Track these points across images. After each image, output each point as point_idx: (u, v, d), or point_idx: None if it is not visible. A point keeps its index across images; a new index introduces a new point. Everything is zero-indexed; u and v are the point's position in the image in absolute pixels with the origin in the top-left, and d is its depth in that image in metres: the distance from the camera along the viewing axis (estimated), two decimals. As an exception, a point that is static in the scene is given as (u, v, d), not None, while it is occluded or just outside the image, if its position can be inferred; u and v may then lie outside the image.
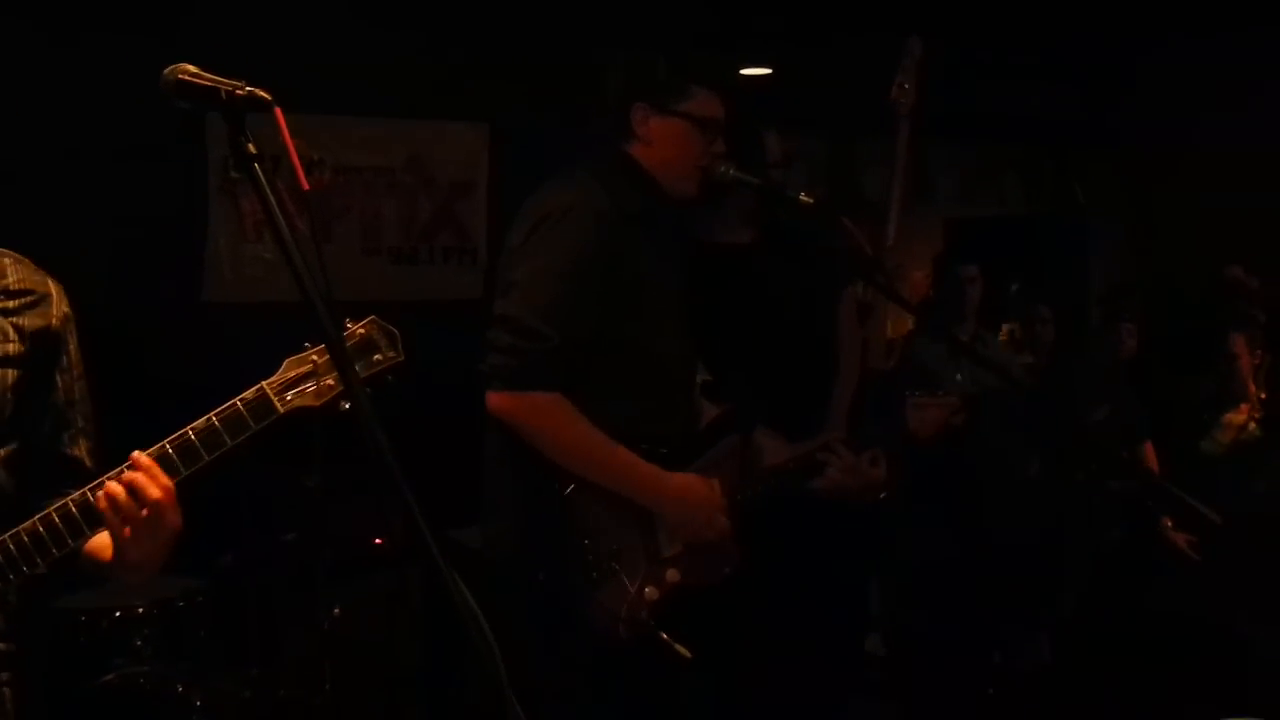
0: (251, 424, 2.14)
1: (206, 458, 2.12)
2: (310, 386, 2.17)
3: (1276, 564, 4.99)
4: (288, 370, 2.17)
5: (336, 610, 4.75)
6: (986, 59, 7.91)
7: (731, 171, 3.37)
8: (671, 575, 3.25)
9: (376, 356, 2.25)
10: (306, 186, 1.78)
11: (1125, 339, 6.30)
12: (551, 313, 3.11)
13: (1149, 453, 5.73)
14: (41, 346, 2.24)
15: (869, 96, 4.31)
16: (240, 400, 2.14)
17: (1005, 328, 7.90)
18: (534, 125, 5.96)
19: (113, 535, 2.11)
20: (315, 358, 2.17)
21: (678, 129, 3.32)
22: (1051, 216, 9.63)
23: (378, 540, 4.94)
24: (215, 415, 2.13)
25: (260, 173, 1.81)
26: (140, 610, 4.15)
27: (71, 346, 2.31)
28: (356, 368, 2.17)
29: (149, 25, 5.28)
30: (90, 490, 2.11)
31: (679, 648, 3.14)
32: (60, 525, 2.10)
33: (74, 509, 2.10)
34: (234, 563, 4.75)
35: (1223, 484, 5.16)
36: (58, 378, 2.28)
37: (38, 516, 2.10)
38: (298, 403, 2.16)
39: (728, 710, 3.72)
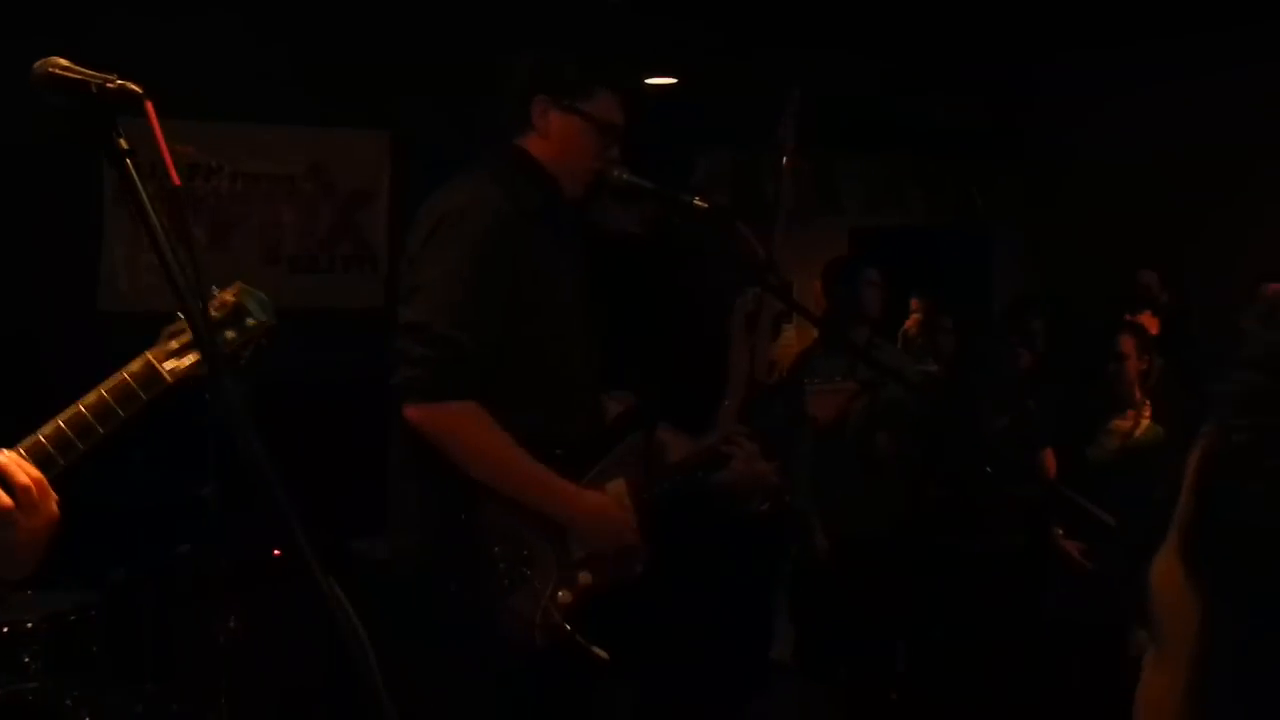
0: (142, 395, 2.11)
1: (101, 432, 2.08)
2: (193, 355, 2.13)
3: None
4: (168, 340, 2.14)
5: (233, 623, 4.68)
6: (891, 71, 7.99)
7: (625, 176, 3.37)
8: (584, 578, 3.24)
9: (250, 321, 2.24)
10: (177, 182, 1.75)
11: (1024, 352, 6.37)
12: (459, 317, 3.09)
13: (1049, 460, 5.78)
14: None
15: (774, 107, 4.35)
16: (127, 373, 2.11)
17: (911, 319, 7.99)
18: (436, 133, 5.92)
19: None
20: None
21: (575, 127, 3.31)
22: (954, 227, 9.75)
23: (275, 551, 4.87)
24: (104, 389, 2.10)
25: (132, 169, 1.77)
26: (29, 625, 4.06)
27: None
28: (230, 334, 2.19)
29: (48, 29, 5.20)
30: None
31: (595, 650, 3.13)
32: None
33: None
34: (127, 576, 4.67)
35: (1117, 491, 5.21)
36: None
37: None
38: (185, 371, 2.14)
39: (642, 711, 3.72)
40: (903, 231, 9.50)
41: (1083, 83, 8.58)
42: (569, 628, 3.16)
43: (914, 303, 9.03)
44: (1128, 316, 6.32)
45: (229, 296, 2.23)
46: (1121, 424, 5.68)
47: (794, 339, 8.88)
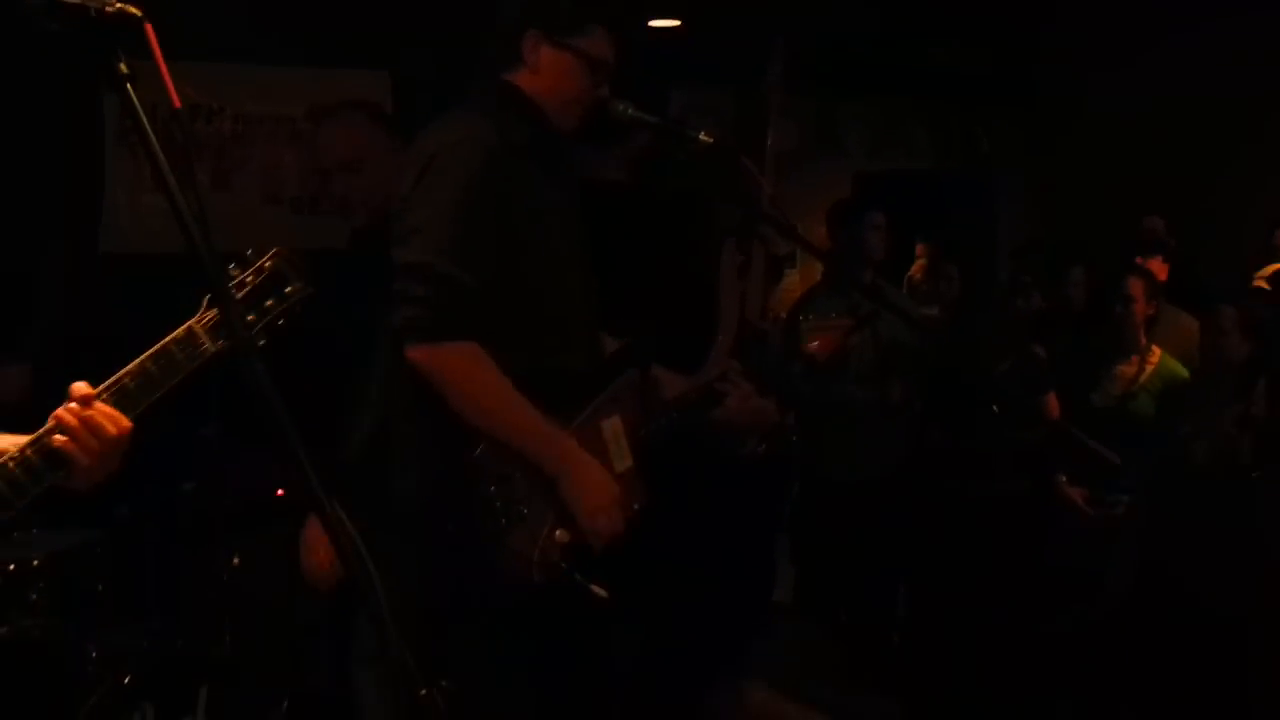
0: (185, 364, 2.14)
1: (144, 401, 2.11)
2: (249, 315, 2.20)
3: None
4: (210, 309, 2.16)
5: (236, 561, 4.69)
6: (895, 14, 7.94)
7: (630, 110, 3.35)
8: None
9: (288, 289, 2.26)
10: (178, 103, 1.74)
11: (1031, 296, 6.35)
12: (457, 253, 3.06)
13: (1052, 404, 5.78)
14: None
15: (764, 54, 4.33)
16: (172, 341, 2.13)
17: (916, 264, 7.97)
18: (436, 73, 5.89)
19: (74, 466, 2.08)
20: (235, 291, 2.19)
21: (567, 63, 3.28)
22: (959, 171, 9.71)
23: (279, 491, 4.88)
24: (148, 359, 2.12)
25: (132, 93, 1.76)
26: (35, 563, 4.08)
27: None
28: (269, 303, 2.22)
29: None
30: (45, 435, 2.07)
31: (595, 588, 3.13)
32: (22, 476, 2.07)
33: (33, 456, 2.07)
34: (131, 514, 4.67)
35: (1119, 436, 5.22)
36: None
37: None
38: (227, 339, 2.15)
39: (641, 652, 3.73)
40: (907, 176, 9.47)
41: (1091, 27, 8.53)
42: (566, 566, 3.17)
43: (919, 248, 9.02)
44: (1138, 260, 6.29)
45: (267, 263, 2.25)
46: (1126, 369, 5.68)
47: (797, 282, 8.89)
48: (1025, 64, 9.18)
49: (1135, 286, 5.61)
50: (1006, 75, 9.24)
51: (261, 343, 2.21)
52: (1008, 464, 5.75)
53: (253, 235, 5.69)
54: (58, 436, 2.05)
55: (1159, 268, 6.41)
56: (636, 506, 3.35)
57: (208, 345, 2.15)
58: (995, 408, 5.61)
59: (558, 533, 3.18)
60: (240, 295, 2.20)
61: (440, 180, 3.12)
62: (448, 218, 3.09)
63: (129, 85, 1.77)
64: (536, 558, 3.14)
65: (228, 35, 5.63)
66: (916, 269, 9.00)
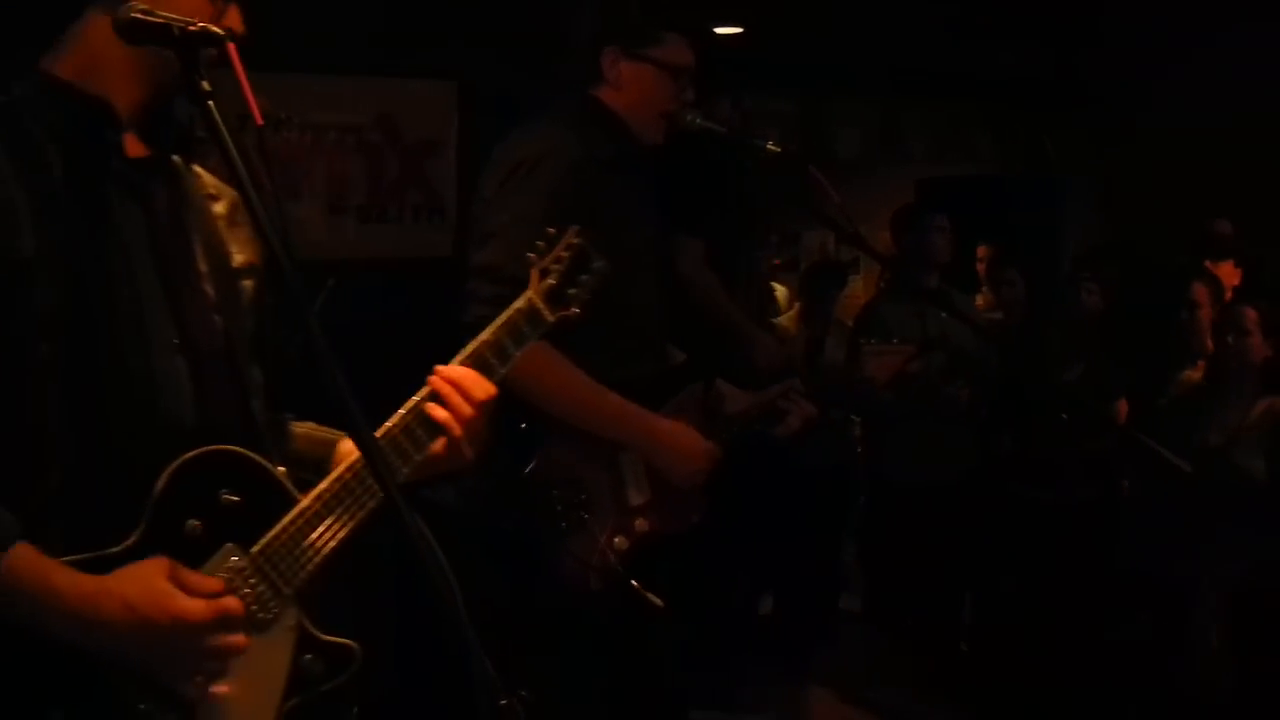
0: (530, 335, 2.26)
1: (500, 373, 2.20)
2: (571, 289, 2.35)
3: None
4: (541, 281, 2.32)
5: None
6: (960, 18, 7.90)
7: (698, 120, 3.37)
8: (640, 524, 3.26)
9: (595, 265, 2.41)
10: (260, 120, 1.75)
11: (1088, 296, 6.30)
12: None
13: (1122, 411, 5.72)
14: None
15: (840, 55, 4.31)
16: (516, 312, 2.25)
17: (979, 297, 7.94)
18: (503, 83, 5.91)
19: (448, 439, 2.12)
20: (556, 266, 2.35)
21: (648, 74, 3.32)
22: (1024, 176, 9.64)
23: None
24: (499, 330, 2.22)
25: (214, 110, 1.78)
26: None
27: None
28: (584, 277, 2.39)
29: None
30: (421, 401, 2.11)
31: (651, 596, 3.15)
32: (407, 443, 2.09)
33: (414, 423, 2.10)
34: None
35: (1172, 437, 5.16)
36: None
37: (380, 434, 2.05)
38: (561, 311, 2.33)
39: (695, 657, 3.74)
40: (970, 181, 9.42)
41: (1155, 30, 8.45)
42: (625, 573, 3.18)
43: (980, 250, 8.95)
44: (1207, 264, 6.21)
45: (573, 239, 2.38)
46: (1192, 375, 5.61)
47: (860, 289, 8.87)
48: (1088, 68, 9.10)
49: (1200, 292, 5.55)
50: (1070, 80, 9.17)
51: (577, 312, 2.35)
52: (1077, 471, 5.70)
53: (319, 244, 5.74)
54: (431, 404, 2.10)
55: (1230, 273, 6.33)
56: (695, 518, 3.37)
57: (548, 315, 2.28)
58: (1064, 415, 5.57)
59: (617, 539, 3.20)
60: (558, 271, 2.34)
61: (523, 186, 3.15)
62: (525, 224, 3.10)
63: (211, 103, 1.78)
64: (595, 563, 3.17)
65: (294, 45, 5.67)
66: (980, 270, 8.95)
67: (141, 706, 1.83)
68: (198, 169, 2.13)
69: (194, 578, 1.84)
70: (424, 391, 2.12)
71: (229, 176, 1.78)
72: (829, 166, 4.71)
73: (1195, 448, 4.95)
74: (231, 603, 1.86)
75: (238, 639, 1.86)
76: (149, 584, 1.80)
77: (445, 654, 1.71)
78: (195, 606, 1.81)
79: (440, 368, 2.14)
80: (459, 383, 2.13)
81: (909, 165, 9.47)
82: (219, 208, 2.14)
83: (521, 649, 3.15)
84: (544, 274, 2.34)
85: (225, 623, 1.84)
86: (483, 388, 2.14)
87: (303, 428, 2.25)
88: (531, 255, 2.36)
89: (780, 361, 4.83)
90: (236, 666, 1.89)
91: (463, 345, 3.11)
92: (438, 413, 2.10)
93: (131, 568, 1.81)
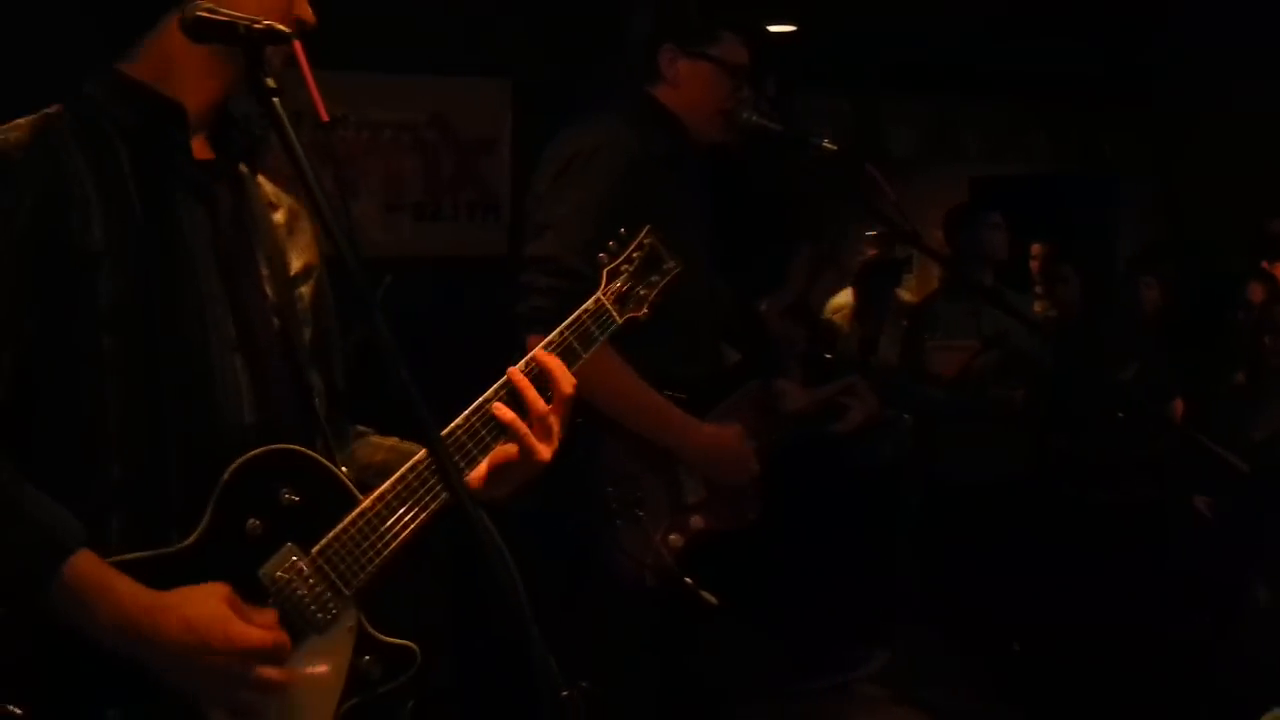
0: (597, 335, 2.27)
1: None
2: (641, 290, 2.37)
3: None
4: (610, 283, 2.33)
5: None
6: (1015, 16, 7.86)
7: (754, 118, 3.36)
8: (695, 522, 3.25)
9: (666, 265, 2.42)
10: (326, 118, 1.77)
11: (1145, 293, 6.25)
12: (587, 252, 3.09)
13: (1178, 410, 5.68)
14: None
15: (894, 53, 4.30)
16: (584, 313, 2.26)
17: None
18: (557, 81, 5.93)
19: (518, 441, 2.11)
20: (626, 267, 2.36)
21: (705, 72, 3.32)
22: (1079, 175, 9.58)
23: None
24: (566, 330, 2.23)
25: (279, 107, 1.79)
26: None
27: None
28: (654, 277, 2.41)
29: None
30: (498, 391, 2.11)
31: (705, 594, 3.15)
32: (469, 442, 2.09)
33: (478, 420, 2.10)
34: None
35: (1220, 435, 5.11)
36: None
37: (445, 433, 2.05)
38: (630, 312, 2.36)
39: (750, 654, 3.74)
40: (1024, 179, 9.36)
41: (1211, 28, 8.37)
42: (679, 571, 3.18)
43: (1034, 248, 8.90)
44: (1264, 265, 6.15)
45: (646, 239, 2.39)
46: (1243, 375, 5.57)
47: (915, 287, 8.83)
48: (1147, 66, 9.02)
49: (1256, 292, 5.50)
50: (1126, 78, 9.09)
51: (645, 313, 2.38)
52: (1133, 471, 5.67)
53: (376, 241, 5.75)
54: (498, 405, 2.10)
55: (1290, 273, 6.26)
56: (752, 516, 3.37)
57: (614, 316, 2.30)
58: (1120, 415, 5.53)
59: (672, 537, 3.20)
60: (628, 272, 2.36)
61: (579, 180, 3.16)
62: (582, 216, 3.12)
63: (276, 100, 1.80)
64: (650, 560, 3.17)
65: (350, 44, 5.70)
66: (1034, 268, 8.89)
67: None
68: (260, 178, 2.15)
69: (250, 609, 1.87)
70: (492, 390, 2.11)
71: (292, 174, 1.79)
72: (882, 165, 4.69)
73: (1241, 446, 4.91)
74: (284, 636, 1.87)
75: (280, 674, 1.86)
76: (209, 606, 1.82)
77: (499, 650, 1.73)
78: (253, 634, 1.82)
79: (528, 357, 2.13)
80: (547, 368, 2.13)
81: (963, 164, 9.42)
82: (278, 216, 2.15)
83: (576, 644, 3.17)
84: (613, 275, 2.35)
85: (276, 653, 1.85)
86: (568, 380, 2.14)
87: (389, 441, 2.24)
88: (603, 255, 2.37)
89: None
90: (295, 667, 1.90)
91: (517, 338, 3.14)
92: (504, 413, 2.10)
93: (192, 589, 1.83)
